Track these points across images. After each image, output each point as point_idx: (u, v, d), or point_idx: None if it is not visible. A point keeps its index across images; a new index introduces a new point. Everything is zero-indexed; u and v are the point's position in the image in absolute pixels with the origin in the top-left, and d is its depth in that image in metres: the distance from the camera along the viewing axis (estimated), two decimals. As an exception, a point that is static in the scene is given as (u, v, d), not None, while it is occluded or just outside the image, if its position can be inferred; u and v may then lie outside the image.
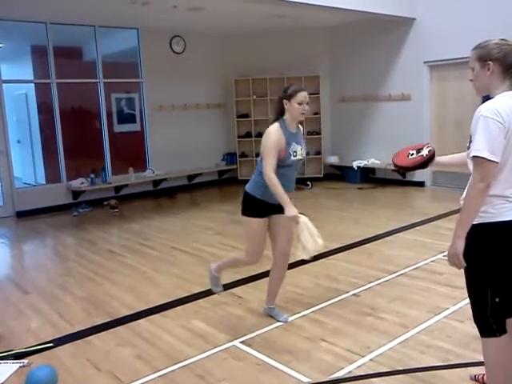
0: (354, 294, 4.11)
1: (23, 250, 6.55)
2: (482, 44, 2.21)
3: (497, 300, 2.19)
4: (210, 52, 10.09)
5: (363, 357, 3.07)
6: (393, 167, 3.20)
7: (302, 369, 2.98)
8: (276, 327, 3.56)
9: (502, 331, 2.22)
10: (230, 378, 2.93)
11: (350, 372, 2.92)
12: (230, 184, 10.14)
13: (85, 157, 8.99)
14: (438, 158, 2.67)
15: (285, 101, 3.37)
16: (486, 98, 2.20)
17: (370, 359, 3.04)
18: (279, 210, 3.35)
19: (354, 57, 9.71)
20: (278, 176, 3.30)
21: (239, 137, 10.19)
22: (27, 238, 6.98)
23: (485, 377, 2.49)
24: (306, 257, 3.29)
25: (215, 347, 3.30)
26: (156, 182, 9.52)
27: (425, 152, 2.65)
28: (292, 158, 3.37)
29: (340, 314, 3.74)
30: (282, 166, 3.33)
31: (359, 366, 2.97)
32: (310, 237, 3.22)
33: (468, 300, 2.33)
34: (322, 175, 10.04)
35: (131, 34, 9.21)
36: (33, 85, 9.22)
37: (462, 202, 2.18)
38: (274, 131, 3.34)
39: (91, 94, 8.97)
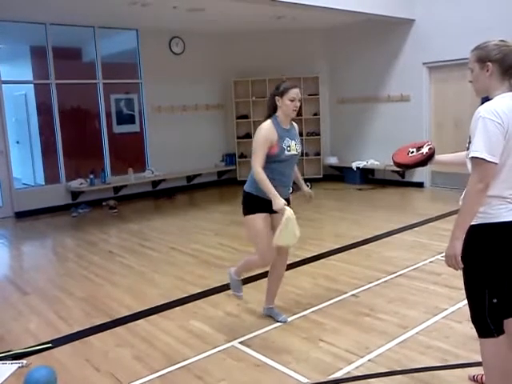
0: (352, 295, 4.11)
1: (22, 250, 6.55)
2: (482, 45, 2.21)
3: (494, 301, 2.19)
4: (209, 53, 10.09)
5: (362, 357, 3.08)
6: (392, 167, 3.21)
7: (301, 369, 2.98)
8: (275, 328, 3.57)
9: (499, 332, 2.23)
10: (229, 379, 2.93)
11: (348, 372, 2.92)
12: (230, 185, 10.15)
13: (84, 157, 8.99)
14: (437, 157, 2.67)
15: (277, 97, 3.40)
16: (485, 99, 2.21)
17: (369, 360, 3.05)
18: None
19: (354, 58, 9.72)
20: (274, 172, 3.33)
21: (238, 138, 10.20)
22: (26, 239, 6.97)
23: (483, 377, 2.50)
24: (280, 244, 3.33)
25: (214, 348, 3.30)
26: (155, 183, 9.52)
27: (425, 150, 2.66)
28: (286, 152, 3.38)
29: (339, 314, 3.74)
30: (277, 160, 3.35)
31: (358, 367, 2.97)
32: (291, 229, 3.22)
33: (466, 301, 2.33)
34: (321, 176, 10.05)
35: (130, 34, 9.22)
36: (32, 85, 9.21)
37: (460, 203, 2.19)
38: (265, 127, 3.38)
39: (90, 95, 8.97)
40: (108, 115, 9.11)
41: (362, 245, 5.57)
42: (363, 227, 6.36)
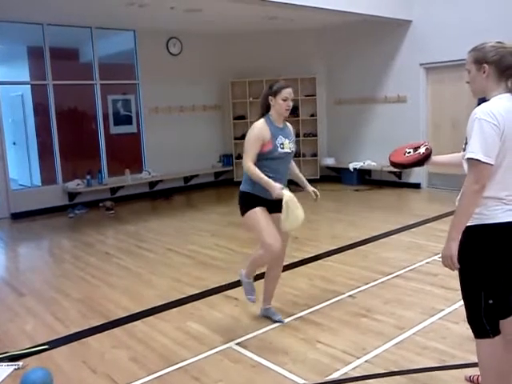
0: (349, 296, 4.12)
1: (18, 251, 6.53)
2: (479, 47, 2.22)
3: (490, 302, 2.20)
4: (206, 54, 10.09)
5: (359, 358, 3.08)
6: (389, 168, 3.22)
7: (298, 370, 2.98)
8: (272, 329, 3.57)
9: (495, 332, 2.23)
10: (226, 380, 2.93)
11: (345, 373, 2.93)
12: (227, 186, 10.14)
13: (81, 158, 8.97)
14: (434, 158, 2.68)
15: (270, 97, 3.43)
16: (482, 100, 2.21)
17: (366, 361, 3.05)
18: (274, 208, 3.38)
19: (351, 59, 9.73)
20: (268, 169, 3.34)
21: (235, 138, 10.19)
22: (22, 240, 6.95)
23: (479, 378, 2.50)
24: (288, 229, 3.32)
25: (211, 349, 3.30)
26: (152, 184, 9.51)
27: (422, 150, 2.67)
28: (279, 149, 3.40)
29: (336, 315, 3.75)
30: (270, 158, 3.37)
31: (355, 368, 2.98)
32: (294, 211, 3.21)
33: (462, 301, 2.34)
34: (318, 177, 10.05)
35: (128, 35, 9.21)
36: (29, 86, 9.21)
37: (457, 204, 2.19)
38: (257, 125, 3.41)
39: (88, 96, 8.96)
40: (105, 116, 9.10)
41: (359, 246, 5.58)
42: (360, 228, 6.36)
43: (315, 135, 10.16)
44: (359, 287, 4.29)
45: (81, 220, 7.86)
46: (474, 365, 2.66)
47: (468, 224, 2.15)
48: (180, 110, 9.84)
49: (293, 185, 3.67)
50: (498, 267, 2.19)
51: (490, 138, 2.07)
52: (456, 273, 2.27)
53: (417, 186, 8.97)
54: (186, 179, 9.98)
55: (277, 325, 3.61)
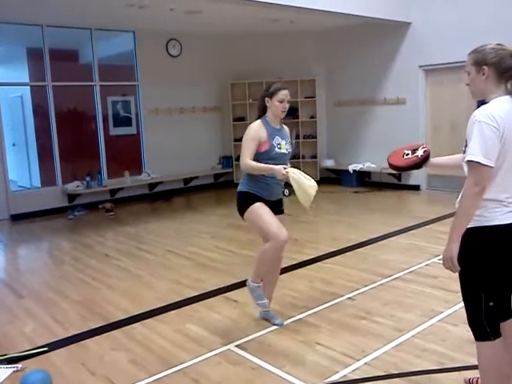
0: (348, 298, 4.11)
1: (18, 253, 6.53)
2: (479, 49, 2.22)
3: (491, 304, 2.20)
4: (206, 55, 10.10)
5: (358, 360, 3.07)
6: (389, 170, 3.22)
7: (297, 373, 2.97)
8: (271, 331, 3.56)
9: (496, 335, 2.23)
10: (225, 382, 2.92)
11: (345, 376, 2.92)
12: (226, 187, 10.13)
13: (80, 160, 8.97)
14: (432, 159, 2.68)
15: (266, 99, 3.46)
16: (481, 103, 2.21)
17: (365, 363, 3.04)
18: (273, 209, 3.40)
19: (350, 61, 9.74)
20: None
21: (235, 140, 10.18)
22: (22, 242, 6.95)
23: (479, 380, 2.50)
24: (308, 203, 3.29)
25: (210, 351, 3.29)
26: (152, 186, 9.50)
27: (420, 152, 2.67)
28: (276, 149, 3.42)
29: (335, 317, 3.74)
30: (268, 158, 3.38)
31: (354, 370, 2.97)
32: (303, 186, 3.23)
33: (462, 304, 2.33)
34: (317, 179, 10.03)
35: (127, 36, 9.22)
36: (28, 87, 9.21)
37: (457, 206, 2.19)
38: (253, 126, 3.44)
39: (87, 97, 8.96)
40: (105, 117, 9.10)
41: (358, 248, 5.57)
42: (359, 230, 6.36)
43: (315, 137, 10.16)
44: (358, 289, 4.29)
45: (80, 222, 7.85)
46: (474, 367, 2.66)
47: (468, 226, 2.15)
48: (180, 111, 9.84)
49: (290, 186, 3.67)
50: (498, 269, 2.19)
51: (489, 141, 2.07)
52: (455, 275, 2.26)
53: (416, 187, 8.98)
54: (186, 181, 9.98)
55: (276, 327, 3.60)
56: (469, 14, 7.78)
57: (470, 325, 2.29)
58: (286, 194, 3.73)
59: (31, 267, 5.76)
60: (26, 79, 9.12)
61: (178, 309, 4.07)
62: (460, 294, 2.31)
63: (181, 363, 3.15)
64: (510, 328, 2.33)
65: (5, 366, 3.20)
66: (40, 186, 9.09)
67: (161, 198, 9.29)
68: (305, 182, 3.25)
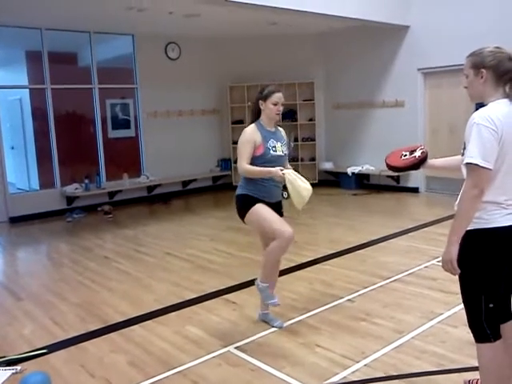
0: (348, 300, 4.12)
1: (16, 255, 6.52)
2: (477, 51, 2.23)
3: (491, 306, 2.20)
4: (204, 58, 10.11)
5: (358, 362, 3.07)
6: (387, 172, 3.23)
7: (297, 374, 2.97)
8: (271, 333, 3.56)
9: (496, 337, 2.23)
10: (225, 384, 2.92)
11: (344, 377, 2.92)
12: (225, 190, 10.13)
13: (79, 162, 8.97)
14: (430, 161, 2.69)
15: (260, 101, 3.48)
16: (480, 105, 2.22)
17: (365, 365, 3.05)
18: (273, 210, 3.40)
19: (349, 63, 9.76)
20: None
21: (234, 143, 10.13)
22: (20, 244, 6.94)
23: (479, 382, 2.50)
24: (301, 205, 3.33)
25: (209, 353, 3.29)
26: (150, 188, 9.50)
27: (418, 153, 2.68)
28: (272, 152, 3.43)
29: (334, 319, 3.74)
30: (264, 161, 3.39)
31: (354, 372, 2.97)
32: (297, 189, 3.26)
33: (462, 305, 2.34)
34: (316, 181, 10.05)
35: (126, 40, 9.23)
36: (27, 90, 9.21)
37: (456, 208, 2.20)
38: (248, 130, 3.45)
39: (86, 100, 8.96)
40: (103, 120, 9.10)
41: (358, 250, 5.58)
42: (358, 232, 6.36)
43: (313, 139, 10.18)
44: (358, 291, 4.29)
45: (79, 224, 7.84)
46: (474, 369, 2.67)
47: (467, 228, 2.15)
48: (178, 114, 9.85)
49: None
50: (497, 271, 2.20)
51: (488, 143, 2.07)
52: (455, 277, 2.27)
53: (415, 190, 8.99)
54: (185, 183, 9.98)
55: (275, 329, 3.61)
56: (467, 17, 7.80)
57: (470, 327, 2.29)
58: (285, 196, 3.73)
59: (30, 270, 5.75)
60: (25, 82, 9.12)
61: (178, 311, 4.07)
62: (459, 296, 2.31)
63: (180, 365, 3.15)
64: (510, 330, 2.33)
65: (4, 368, 3.19)
66: (39, 188, 9.09)
67: (159, 201, 9.29)
68: (300, 185, 3.26)
